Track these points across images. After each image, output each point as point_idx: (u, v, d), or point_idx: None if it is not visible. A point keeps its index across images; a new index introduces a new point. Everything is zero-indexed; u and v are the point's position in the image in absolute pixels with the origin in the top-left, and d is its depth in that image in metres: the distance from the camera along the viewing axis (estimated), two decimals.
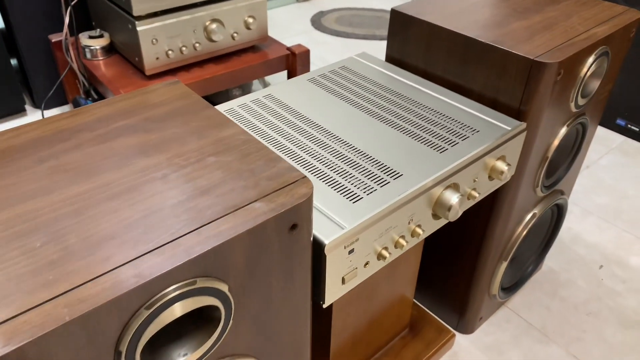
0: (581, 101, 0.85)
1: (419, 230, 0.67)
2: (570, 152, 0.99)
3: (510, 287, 1.12)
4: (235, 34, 1.49)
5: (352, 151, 0.69)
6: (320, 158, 0.68)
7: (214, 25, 1.43)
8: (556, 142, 0.87)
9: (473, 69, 0.81)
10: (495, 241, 0.92)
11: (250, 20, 1.50)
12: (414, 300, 1.15)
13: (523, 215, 0.95)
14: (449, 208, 0.66)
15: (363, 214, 0.59)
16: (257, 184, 0.48)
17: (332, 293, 0.60)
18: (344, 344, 0.86)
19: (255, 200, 0.46)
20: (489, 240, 0.92)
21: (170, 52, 1.39)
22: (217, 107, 0.77)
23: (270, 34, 2.29)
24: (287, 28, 2.51)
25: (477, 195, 0.72)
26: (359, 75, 0.88)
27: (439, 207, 0.67)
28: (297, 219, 0.48)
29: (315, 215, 0.58)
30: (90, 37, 1.51)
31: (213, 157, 0.52)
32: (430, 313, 1.10)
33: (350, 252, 0.58)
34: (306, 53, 1.58)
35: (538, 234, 1.12)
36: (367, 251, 0.61)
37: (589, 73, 0.81)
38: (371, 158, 0.68)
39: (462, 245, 0.97)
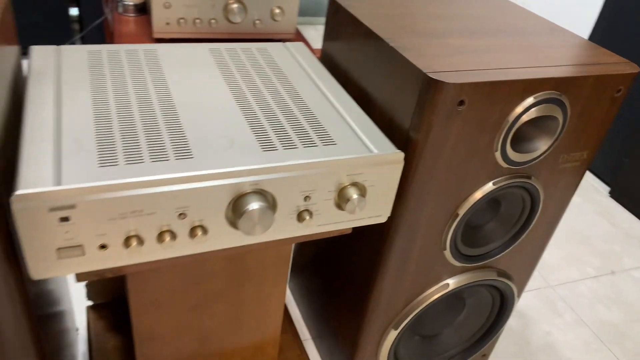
0: (515, 156, 0.66)
1: (199, 232, 0.53)
2: (516, 224, 0.77)
3: None
4: (257, 21, 1.43)
5: (166, 113, 0.58)
6: (126, 110, 0.57)
7: (235, 5, 1.38)
8: (474, 198, 0.68)
9: (379, 77, 0.66)
10: (383, 303, 0.74)
11: (277, 10, 1.44)
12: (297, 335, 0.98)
13: (431, 283, 0.76)
14: (243, 213, 0.52)
15: (93, 177, 0.47)
16: None
17: (41, 265, 0.49)
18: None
19: None
20: (373, 303, 0.74)
21: (182, 20, 1.36)
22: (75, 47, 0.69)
23: None
24: None
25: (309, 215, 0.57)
26: (269, 61, 0.76)
27: (237, 215, 0.54)
28: None
29: (40, 155, 0.48)
30: None
31: None
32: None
33: (64, 219, 0.47)
34: None
35: (469, 321, 0.90)
36: (99, 229, 0.49)
37: (523, 119, 0.62)
38: (177, 127, 0.56)
39: (345, 314, 0.80)
